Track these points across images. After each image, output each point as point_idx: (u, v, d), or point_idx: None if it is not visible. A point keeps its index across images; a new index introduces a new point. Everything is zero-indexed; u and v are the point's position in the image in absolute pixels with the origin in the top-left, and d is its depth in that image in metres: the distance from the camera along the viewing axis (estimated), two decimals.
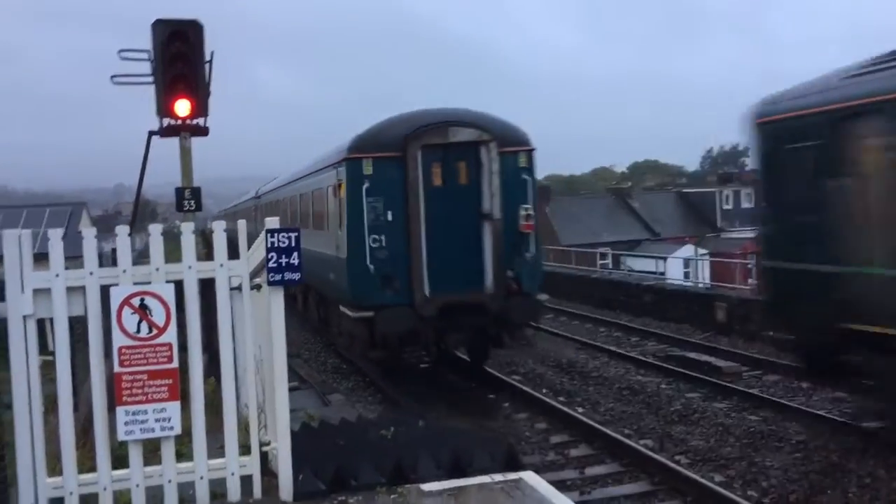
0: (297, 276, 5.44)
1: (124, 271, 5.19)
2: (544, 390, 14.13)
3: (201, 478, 5.35)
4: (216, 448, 5.50)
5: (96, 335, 5.17)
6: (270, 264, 5.34)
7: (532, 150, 13.49)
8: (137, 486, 5.23)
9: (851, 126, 9.64)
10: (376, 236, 12.67)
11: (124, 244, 5.25)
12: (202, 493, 5.35)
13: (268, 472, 5.66)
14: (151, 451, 5.33)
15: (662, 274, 31.96)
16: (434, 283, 12.56)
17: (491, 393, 13.92)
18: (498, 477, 5.76)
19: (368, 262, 12.62)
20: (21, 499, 5.03)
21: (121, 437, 5.16)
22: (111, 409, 5.15)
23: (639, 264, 39.99)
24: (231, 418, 5.40)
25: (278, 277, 5.38)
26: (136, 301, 5.16)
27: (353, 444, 6.84)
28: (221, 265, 5.37)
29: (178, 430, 5.25)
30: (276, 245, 5.36)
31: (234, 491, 5.41)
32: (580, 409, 12.73)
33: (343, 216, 13.23)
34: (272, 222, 5.44)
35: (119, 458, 5.35)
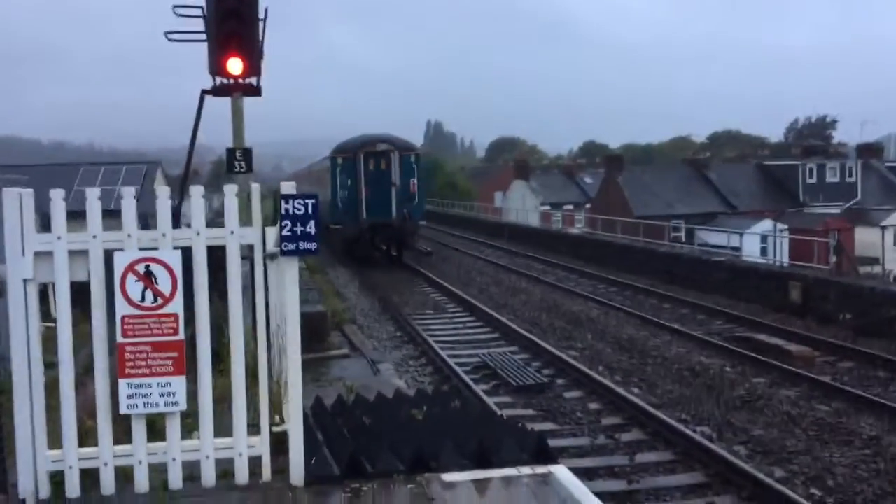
0: (313, 245, 5.04)
1: (129, 235, 4.86)
2: (600, 368, 13.62)
3: (207, 457, 5.04)
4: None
5: (100, 302, 4.88)
6: (284, 233, 4.95)
7: (417, 152, 29.79)
8: (140, 462, 4.95)
9: None
10: (342, 192, 28.00)
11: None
12: (208, 473, 5.04)
13: (285, 452, 5.33)
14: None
15: (737, 249, 30.80)
16: (367, 214, 27.70)
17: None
18: (525, 470, 5.30)
19: (339, 202, 28.08)
20: (21, 470, 4.81)
21: (123, 410, 4.87)
22: None
23: (713, 238, 38.72)
24: (240, 395, 5.06)
25: (292, 247, 4.99)
26: (140, 268, 4.83)
27: (379, 424, 6.47)
28: (232, 232, 5.00)
29: (183, 405, 4.93)
30: (290, 212, 4.97)
31: (241, 472, 5.09)
32: (636, 391, 12.18)
33: (329, 181, 28.71)
34: (288, 187, 5.05)
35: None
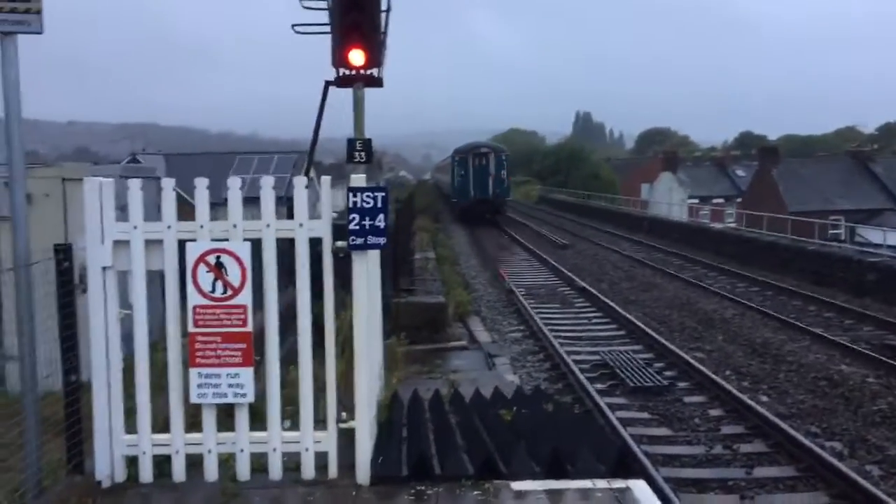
0: (381, 240, 4.92)
1: (202, 226, 4.90)
2: (727, 372, 12.87)
3: (274, 450, 5.03)
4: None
5: (173, 291, 4.95)
6: (352, 226, 4.86)
7: (506, 153, 46.16)
8: (210, 451, 5.01)
9: None
10: (459, 179, 44.85)
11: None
12: (275, 466, 5.04)
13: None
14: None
15: None
16: (473, 193, 44.11)
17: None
18: (601, 483, 4.98)
19: (456, 186, 45.77)
20: (97, 454, 4.95)
21: (193, 399, 4.94)
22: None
23: (876, 237, 36.05)
24: (307, 388, 5.02)
25: (360, 241, 4.88)
26: (211, 259, 4.87)
27: (464, 424, 6.31)
28: (301, 225, 4.95)
29: (251, 397, 4.95)
30: (358, 206, 4.86)
31: (307, 468, 5.05)
32: (763, 398, 11.41)
33: (451, 172, 47.36)
34: (357, 179, 4.94)
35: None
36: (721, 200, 63.49)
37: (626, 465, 5.23)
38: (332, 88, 12.64)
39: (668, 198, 61.63)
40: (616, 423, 9.86)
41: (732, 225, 43.78)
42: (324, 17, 12.53)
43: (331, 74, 12.47)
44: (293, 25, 12.90)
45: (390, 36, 12.96)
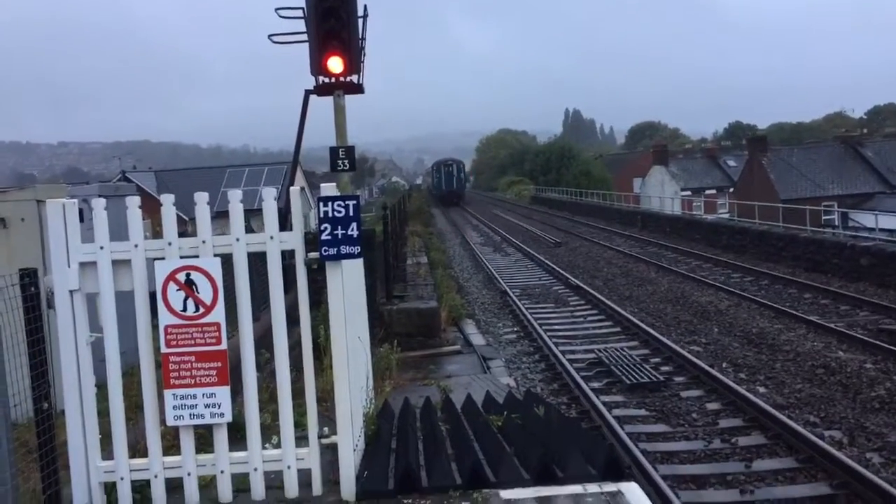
0: (355, 249, 4.79)
1: (170, 244, 4.77)
2: (724, 364, 12.76)
3: (255, 469, 4.89)
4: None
5: (144, 312, 4.82)
6: (324, 236, 4.73)
7: (462, 164, 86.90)
8: (189, 474, 4.87)
9: None
10: (437, 179, 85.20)
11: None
12: (257, 486, 4.90)
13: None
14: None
15: (893, 232, 28.51)
16: (445, 187, 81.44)
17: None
18: (592, 487, 4.86)
19: (435, 183, 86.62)
20: (74, 481, 4.81)
21: (169, 422, 4.80)
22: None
23: (869, 221, 36.00)
24: (286, 405, 4.89)
25: (332, 251, 4.75)
26: (181, 276, 4.74)
27: (454, 432, 6.19)
28: (272, 237, 4.82)
29: (228, 417, 4.81)
30: (329, 215, 4.73)
31: (290, 486, 4.91)
32: (761, 390, 11.30)
33: (433, 175, 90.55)
34: (327, 188, 4.82)
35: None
36: (713, 191, 63.49)
37: (618, 468, 5.09)
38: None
39: (661, 191, 61.62)
40: (612, 421, 9.74)
41: (725, 216, 43.73)
42: (301, 25, 12.41)
43: (312, 83, 12.39)
44: (270, 36, 12.77)
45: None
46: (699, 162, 72.13)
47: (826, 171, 53.79)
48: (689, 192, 60.19)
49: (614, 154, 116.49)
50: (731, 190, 60.01)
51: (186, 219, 24.82)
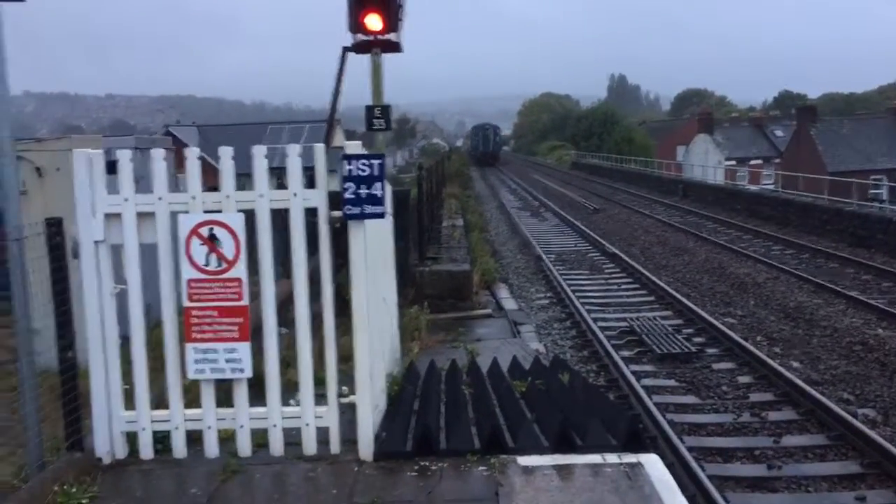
0: (380, 209, 4.73)
1: (193, 198, 4.76)
2: (759, 338, 12.56)
3: (274, 426, 4.91)
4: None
5: (167, 265, 4.83)
6: (347, 195, 4.67)
7: (498, 128, 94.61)
8: (209, 427, 4.91)
9: None
10: (475, 141, 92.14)
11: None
12: (276, 442, 4.92)
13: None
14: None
15: None
16: (482, 148, 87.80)
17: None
18: (612, 458, 4.79)
19: (473, 145, 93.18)
20: (96, 430, 4.88)
21: (190, 375, 4.83)
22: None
23: None
24: (306, 363, 4.88)
25: (356, 211, 4.70)
26: (204, 231, 4.73)
27: (477, 395, 6.15)
28: (295, 194, 4.77)
29: (248, 372, 4.83)
30: (353, 174, 4.67)
31: (309, 443, 4.93)
32: (795, 364, 11.11)
33: (471, 137, 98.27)
34: (352, 146, 4.75)
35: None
36: (759, 162, 62.23)
37: (638, 439, 5.01)
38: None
39: (704, 160, 60.52)
40: (641, 391, 9.66)
41: (770, 186, 42.89)
42: None
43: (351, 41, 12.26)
44: None
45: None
46: (745, 131, 70.66)
47: (877, 143, 52.37)
48: (733, 162, 59.09)
49: (659, 121, 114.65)
50: (778, 161, 58.78)
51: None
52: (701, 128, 68.58)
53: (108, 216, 4.79)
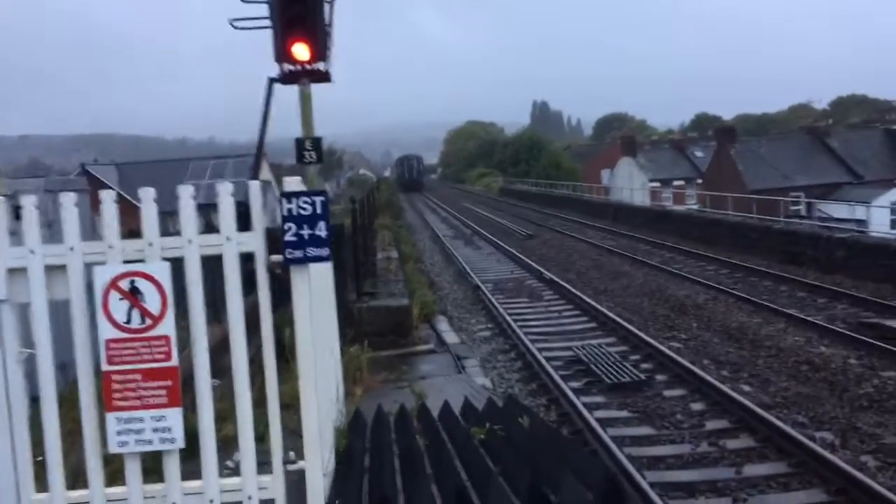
0: (323, 252, 4.23)
1: (111, 247, 4.18)
2: (706, 361, 12.38)
3: (211, 501, 4.33)
4: None
5: (82, 324, 4.23)
6: (288, 237, 4.16)
7: (421, 158, 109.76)
8: None
9: None
10: (400, 171, 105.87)
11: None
12: None
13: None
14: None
15: (863, 223, 28.47)
16: (408, 177, 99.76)
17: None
18: None
19: (399, 174, 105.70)
20: None
21: (112, 448, 4.21)
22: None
23: (837, 212, 36.07)
24: (246, 426, 4.33)
25: (298, 254, 4.19)
26: (125, 284, 4.15)
27: (433, 447, 5.68)
28: (229, 238, 4.25)
29: (180, 442, 4.24)
30: (294, 213, 4.18)
31: None
32: (745, 388, 10.93)
33: (396, 168, 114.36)
34: (291, 182, 4.26)
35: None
36: (682, 182, 63.53)
37: (618, 493, 4.60)
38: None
39: (629, 183, 61.43)
40: (595, 424, 9.30)
41: (695, 207, 43.66)
42: (264, 10, 11.82)
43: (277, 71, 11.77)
44: (231, 21, 12.12)
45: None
46: (667, 153, 72.19)
47: (793, 161, 53.94)
48: (657, 184, 60.17)
49: (582, 145, 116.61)
50: (700, 181, 60.08)
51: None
52: (624, 151, 69.83)
53: (11, 271, 4.18)
